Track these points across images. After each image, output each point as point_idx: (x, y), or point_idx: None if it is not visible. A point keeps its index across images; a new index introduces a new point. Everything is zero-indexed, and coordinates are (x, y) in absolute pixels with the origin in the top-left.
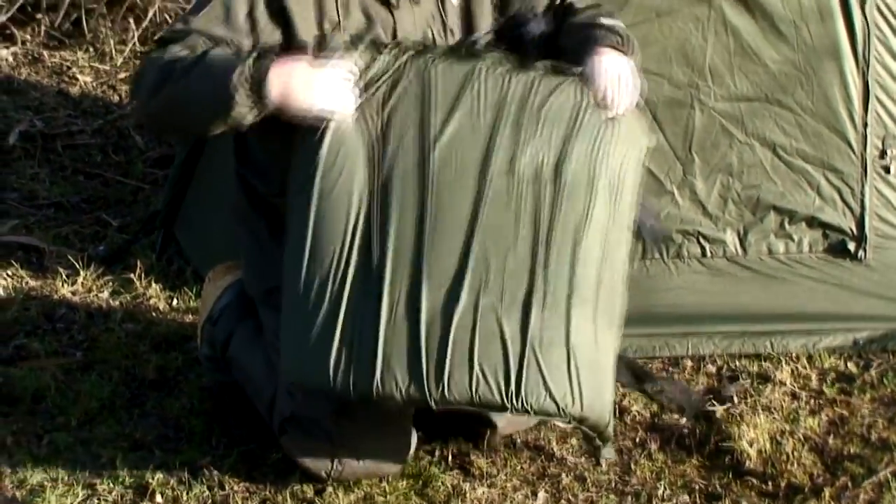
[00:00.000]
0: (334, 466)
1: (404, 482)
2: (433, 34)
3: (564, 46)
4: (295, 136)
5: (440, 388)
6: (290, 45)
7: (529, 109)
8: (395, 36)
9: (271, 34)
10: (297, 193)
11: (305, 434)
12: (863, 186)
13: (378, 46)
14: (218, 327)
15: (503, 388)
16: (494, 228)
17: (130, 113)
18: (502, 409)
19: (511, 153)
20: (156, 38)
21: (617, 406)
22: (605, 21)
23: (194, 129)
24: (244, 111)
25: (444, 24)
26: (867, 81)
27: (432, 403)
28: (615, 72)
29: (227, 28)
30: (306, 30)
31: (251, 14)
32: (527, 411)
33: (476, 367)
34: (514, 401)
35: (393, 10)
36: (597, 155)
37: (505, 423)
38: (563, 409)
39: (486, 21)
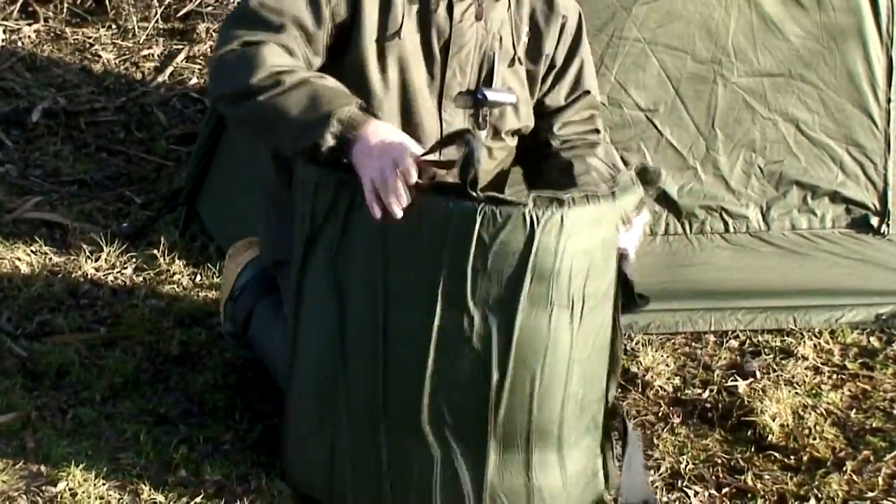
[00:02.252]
0: None
1: None
2: (487, 52)
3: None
4: None
5: None
6: (351, 36)
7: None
8: (447, 47)
9: (341, 19)
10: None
11: None
12: (885, 161)
13: None
14: (238, 305)
15: None
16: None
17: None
18: None
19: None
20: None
21: (640, 380)
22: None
23: (267, 142)
24: (324, 151)
25: (501, 45)
26: (891, 57)
27: None
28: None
29: (311, 13)
30: (370, 26)
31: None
32: None
33: None
34: None
35: (453, 24)
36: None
37: None
38: None
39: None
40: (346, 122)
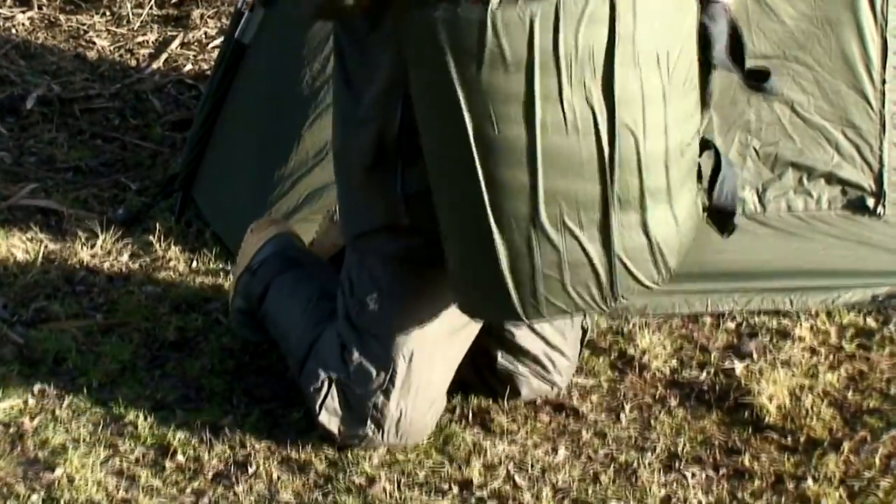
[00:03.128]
0: (367, 435)
1: (425, 439)
2: None
3: None
4: None
5: (534, 313)
6: None
7: None
8: None
9: None
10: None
11: (345, 402)
12: (881, 143)
13: None
14: (256, 278)
15: (599, 298)
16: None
17: None
18: (601, 312)
19: None
20: None
21: (637, 363)
22: None
23: None
24: None
25: None
26: (885, 38)
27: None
28: None
29: None
30: None
31: None
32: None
33: (572, 293)
34: (612, 303)
35: None
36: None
37: (528, 390)
38: (653, 286)
39: None
40: None
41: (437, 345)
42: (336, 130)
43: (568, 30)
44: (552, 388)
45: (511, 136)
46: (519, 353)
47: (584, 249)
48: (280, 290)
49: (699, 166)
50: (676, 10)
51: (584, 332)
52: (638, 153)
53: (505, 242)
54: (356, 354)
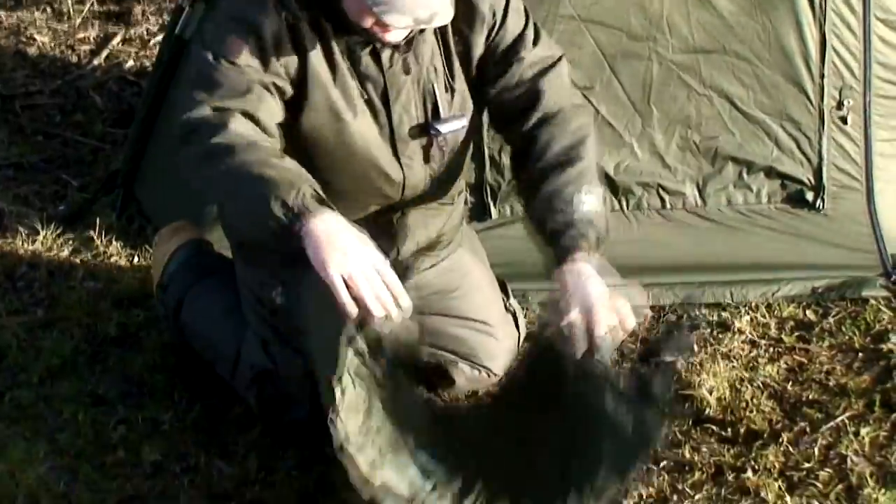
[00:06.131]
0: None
1: None
2: (425, 85)
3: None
4: None
5: None
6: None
7: None
8: (385, 94)
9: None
10: None
11: (280, 389)
12: (820, 137)
13: None
14: (168, 294)
15: None
16: None
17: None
18: None
19: None
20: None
21: None
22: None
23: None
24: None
25: (437, 74)
26: (824, 32)
27: None
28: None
29: (266, 71)
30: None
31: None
32: None
33: None
34: None
35: (385, 72)
36: None
37: (463, 379)
38: None
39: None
40: (297, 207)
41: None
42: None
43: None
44: (488, 375)
45: None
46: (442, 339)
47: None
48: (192, 303)
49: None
50: None
51: (514, 314)
52: None
53: None
54: (278, 346)
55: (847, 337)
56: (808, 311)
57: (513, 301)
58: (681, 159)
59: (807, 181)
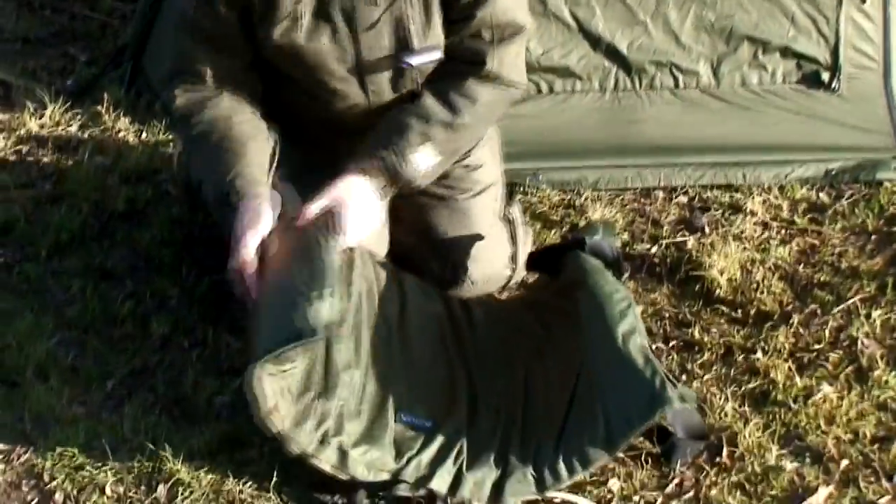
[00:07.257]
0: None
1: None
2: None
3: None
4: None
5: None
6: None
7: None
8: (354, 28)
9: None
10: None
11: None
12: (838, 16)
13: None
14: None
15: None
16: None
17: None
18: None
19: None
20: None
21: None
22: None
23: None
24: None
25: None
26: None
27: None
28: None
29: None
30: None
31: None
32: None
33: None
34: None
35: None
36: None
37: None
38: None
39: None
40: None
41: None
42: None
43: None
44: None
45: None
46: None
47: None
48: None
49: None
50: None
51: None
52: None
53: None
54: None
55: (860, 219)
56: (821, 194)
57: (514, 209)
58: (695, 38)
59: (823, 61)
